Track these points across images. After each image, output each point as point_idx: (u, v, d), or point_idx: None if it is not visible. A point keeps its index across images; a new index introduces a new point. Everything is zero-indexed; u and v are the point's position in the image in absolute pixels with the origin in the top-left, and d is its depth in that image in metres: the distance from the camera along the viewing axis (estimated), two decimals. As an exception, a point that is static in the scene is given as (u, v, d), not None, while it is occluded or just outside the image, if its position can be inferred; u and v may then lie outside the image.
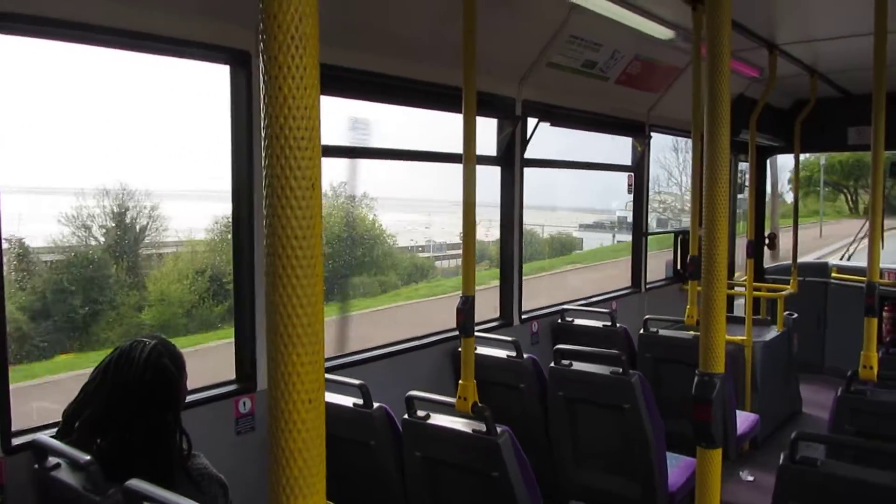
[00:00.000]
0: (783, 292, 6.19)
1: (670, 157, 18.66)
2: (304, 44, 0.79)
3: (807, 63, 5.75)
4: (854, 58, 5.27)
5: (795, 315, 6.15)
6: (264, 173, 0.80)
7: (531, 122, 4.61)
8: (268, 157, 0.79)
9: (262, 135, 0.81)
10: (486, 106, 4.13)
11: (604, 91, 5.09)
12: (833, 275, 7.63)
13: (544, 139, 4.80)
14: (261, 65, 0.81)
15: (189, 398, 2.70)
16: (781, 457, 2.36)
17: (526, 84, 4.45)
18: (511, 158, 4.53)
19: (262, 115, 0.80)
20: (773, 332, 5.83)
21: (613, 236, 19.31)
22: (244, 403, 2.99)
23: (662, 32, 4.61)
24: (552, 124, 4.82)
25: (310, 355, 0.80)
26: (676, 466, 3.65)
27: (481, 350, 3.81)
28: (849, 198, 30.38)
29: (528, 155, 4.65)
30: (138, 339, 2.07)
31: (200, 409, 2.81)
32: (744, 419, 4.53)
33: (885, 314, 7.05)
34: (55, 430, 2.11)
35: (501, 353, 3.82)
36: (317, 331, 0.81)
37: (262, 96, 0.80)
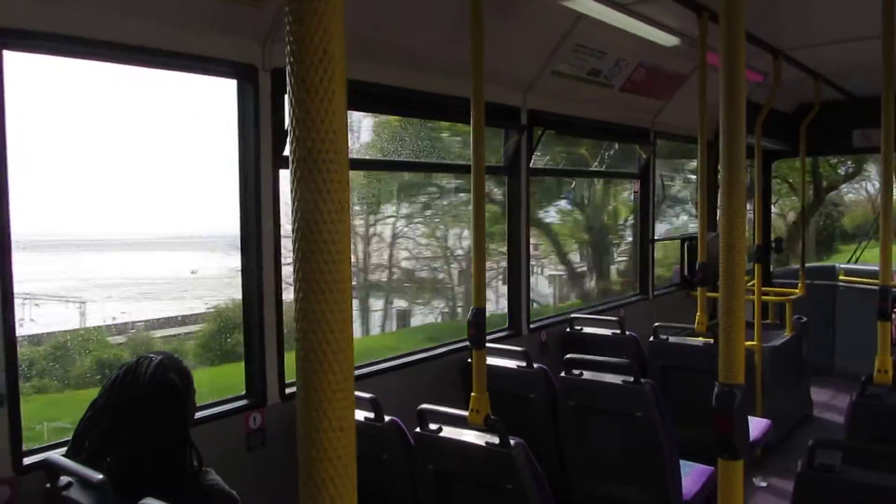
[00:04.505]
0: (791, 296, 6.16)
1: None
2: (331, 67, 0.78)
3: (811, 67, 5.75)
4: (859, 60, 5.26)
5: (805, 319, 6.12)
6: (292, 196, 0.79)
7: (536, 131, 4.61)
8: (296, 181, 0.78)
9: (290, 158, 0.80)
10: (493, 116, 4.12)
11: (608, 99, 5.09)
12: (841, 277, 7.60)
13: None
14: (288, 87, 0.80)
15: (199, 414, 2.71)
16: (799, 464, 2.33)
17: (531, 93, 4.45)
18: (517, 167, 4.52)
19: (290, 138, 0.79)
20: (782, 337, 5.80)
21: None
22: (254, 419, 2.97)
23: (667, 40, 4.61)
24: (557, 133, 4.82)
25: (340, 382, 0.79)
26: (690, 474, 3.62)
27: (490, 361, 3.78)
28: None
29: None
30: (145, 354, 2.06)
31: (211, 424, 2.79)
32: (756, 425, 4.49)
33: (893, 317, 7.00)
34: (66, 448, 2.10)
35: (511, 364, 3.80)
36: (347, 357, 0.80)
37: (287, 117, 0.79)
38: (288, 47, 0.79)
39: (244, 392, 3.06)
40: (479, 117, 2.94)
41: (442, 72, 3.70)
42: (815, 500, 2.29)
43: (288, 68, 0.79)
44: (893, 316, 7.08)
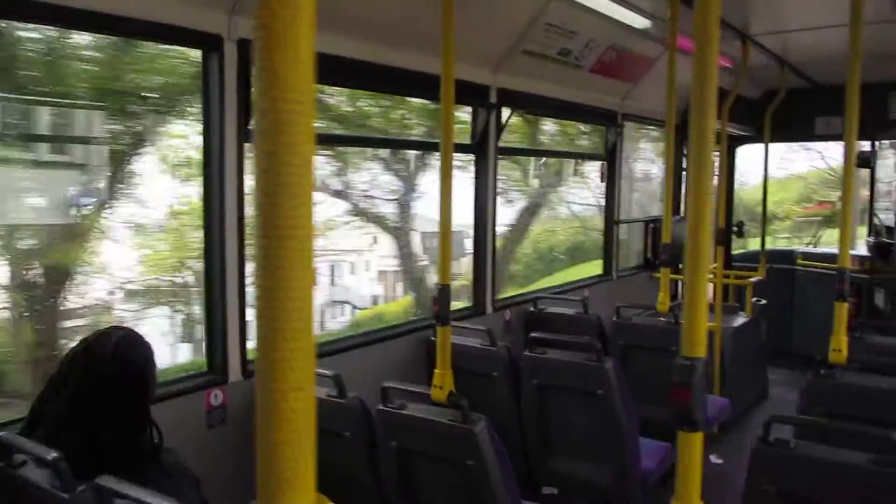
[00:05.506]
0: (751, 279, 6.28)
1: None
2: (301, 29, 0.76)
3: (778, 54, 5.81)
4: (824, 49, 5.33)
5: (764, 301, 6.25)
6: (255, 154, 0.77)
7: (505, 110, 4.59)
8: (260, 137, 0.76)
9: (254, 109, 0.78)
10: (462, 94, 4.10)
11: (577, 79, 5.09)
12: (799, 261, 7.78)
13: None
14: (256, 49, 0.78)
15: (159, 391, 2.68)
16: (755, 439, 2.39)
17: (500, 72, 4.42)
18: (485, 147, 4.51)
19: (254, 93, 0.77)
20: (742, 319, 5.92)
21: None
22: (215, 396, 2.94)
23: (638, 21, 4.62)
24: (526, 112, 4.82)
25: (299, 341, 0.78)
26: (649, 451, 3.69)
27: (455, 339, 3.80)
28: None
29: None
30: (104, 329, 2.01)
31: (171, 402, 2.75)
32: (714, 403, 4.59)
33: (850, 300, 7.19)
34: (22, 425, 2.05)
35: (475, 342, 3.82)
36: (306, 317, 0.78)
37: (251, 78, 0.78)
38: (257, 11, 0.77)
39: (206, 369, 3.03)
40: (448, 95, 2.92)
41: (412, 48, 3.66)
42: (768, 474, 2.36)
43: (256, 30, 0.77)
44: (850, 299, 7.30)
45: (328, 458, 2.94)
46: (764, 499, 2.37)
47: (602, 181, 6.13)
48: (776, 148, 8.32)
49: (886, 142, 7.31)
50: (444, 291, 3.00)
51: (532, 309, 4.87)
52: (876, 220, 7.62)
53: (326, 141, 3.83)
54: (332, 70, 3.40)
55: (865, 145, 7.46)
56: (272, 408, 0.78)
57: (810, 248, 8.55)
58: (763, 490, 2.37)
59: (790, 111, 6.97)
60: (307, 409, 0.79)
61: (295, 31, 0.75)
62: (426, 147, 4.01)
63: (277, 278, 0.77)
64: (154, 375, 2.09)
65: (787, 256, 7.95)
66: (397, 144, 4.02)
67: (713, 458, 5.01)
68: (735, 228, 8.25)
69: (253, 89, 0.79)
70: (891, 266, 6.69)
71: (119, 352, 1.95)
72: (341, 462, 2.90)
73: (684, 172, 6.35)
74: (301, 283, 0.77)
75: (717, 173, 7.85)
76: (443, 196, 2.97)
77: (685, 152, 6.24)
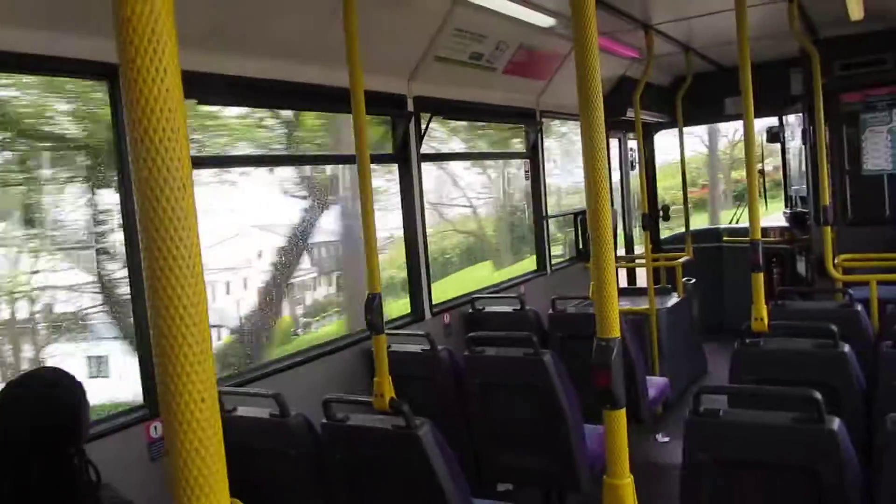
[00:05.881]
0: (679, 260, 6.49)
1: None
2: (161, 45, 0.78)
3: (681, 41, 6.04)
4: (721, 33, 5.56)
5: (694, 280, 6.46)
6: (134, 181, 0.80)
7: (424, 117, 4.65)
8: (134, 162, 0.79)
9: (127, 139, 0.80)
10: (377, 104, 4.14)
11: (493, 81, 5.18)
12: (725, 238, 8.07)
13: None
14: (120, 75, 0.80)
15: (97, 428, 2.62)
16: (687, 411, 2.49)
17: (415, 80, 4.48)
18: (407, 155, 4.55)
19: (126, 120, 0.79)
20: (674, 299, 6.10)
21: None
22: (155, 428, 2.90)
23: (543, 20, 4.73)
24: (444, 118, 4.88)
25: (198, 354, 0.81)
26: (593, 437, 3.77)
27: (395, 347, 3.83)
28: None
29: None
30: (32, 371, 1.97)
31: (111, 437, 2.71)
32: (654, 384, 4.72)
33: (774, 269, 7.51)
34: None
35: (416, 348, 3.85)
36: (203, 329, 0.81)
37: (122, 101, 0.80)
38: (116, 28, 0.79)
39: (142, 402, 2.99)
40: (359, 106, 2.95)
41: (316, 62, 3.67)
42: (702, 444, 2.46)
43: (117, 51, 0.79)
44: (774, 270, 7.61)
45: (275, 477, 2.94)
46: (700, 468, 2.47)
47: (527, 179, 6.25)
48: (663, 137, 8.64)
49: (792, 116, 7.66)
50: (375, 300, 3.02)
51: (470, 310, 4.93)
52: (790, 192, 7.98)
53: (232, 164, 3.79)
54: (236, 91, 3.39)
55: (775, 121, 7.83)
56: (179, 419, 0.80)
57: (734, 225, 8.88)
58: (699, 459, 2.47)
59: (700, 95, 7.26)
60: (212, 419, 0.82)
61: (159, 59, 0.78)
62: (342, 160, 4.03)
63: (170, 297, 0.79)
64: (86, 414, 2.05)
65: (714, 234, 8.23)
66: (312, 161, 4.02)
67: (660, 437, 5.15)
68: (661, 213, 8.51)
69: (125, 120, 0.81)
70: (808, 234, 7.00)
71: (48, 392, 1.91)
72: (289, 480, 2.89)
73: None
74: (193, 300, 0.80)
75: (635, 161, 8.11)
76: (364, 206, 2.99)
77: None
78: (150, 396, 2.97)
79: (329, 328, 5.33)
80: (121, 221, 2.95)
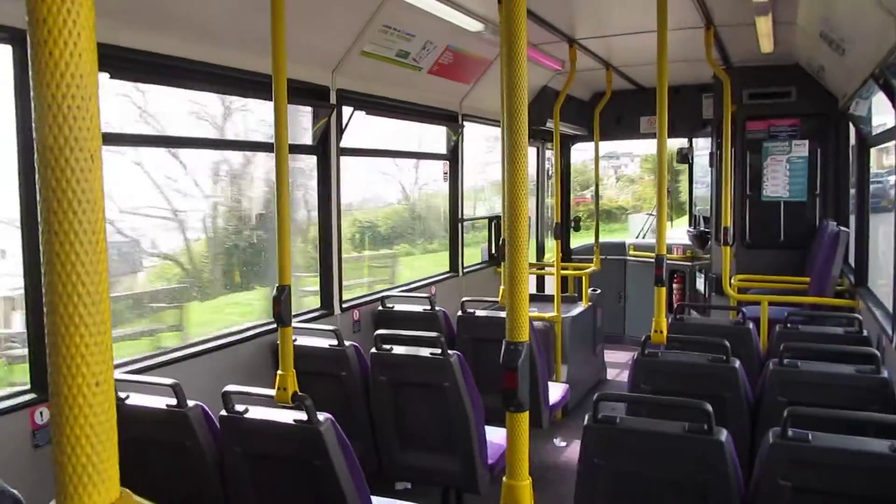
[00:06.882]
0: (587, 270, 6.68)
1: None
2: (76, 8, 0.74)
3: (602, 57, 6.22)
4: (641, 53, 5.77)
5: (599, 290, 6.66)
6: (35, 146, 0.75)
7: (346, 110, 4.60)
8: (39, 129, 0.74)
9: (33, 105, 0.76)
10: (300, 94, 4.08)
11: (417, 81, 5.19)
12: (630, 252, 8.36)
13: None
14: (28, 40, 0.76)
15: None
16: (586, 418, 2.56)
17: (340, 73, 4.43)
18: (327, 147, 4.50)
19: (31, 84, 0.74)
20: (579, 308, 6.27)
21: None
22: (41, 414, 2.75)
23: (472, 24, 4.78)
24: (367, 113, 4.85)
25: (95, 336, 0.77)
26: (495, 439, 3.83)
27: (302, 341, 3.77)
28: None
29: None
30: None
31: None
32: (555, 389, 4.83)
33: (675, 285, 7.86)
34: None
35: (323, 343, 3.80)
36: (102, 310, 0.77)
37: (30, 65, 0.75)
38: None
39: (29, 386, 2.83)
40: (280, 95, 2.89)
41: (240, 46, 3.58)
42: (599, 449, 2.54)
43: (30, 24, 0.75)
44: (675, 284, 7.94)
45: (171, 469, 2.85)
46: (596, 473, 2.54)
47: (445, 181, 6.29)
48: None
49: (702, 139, 8.03)
50: (283, 292, 2.97)
51: (380, 308, 4.91)
52: (695, 211, 8.35)
53: (126, 142, 3.63)
54: (151, 67, 3.27)
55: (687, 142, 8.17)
56: (70, 403, 0.76)
57: (640, 240, 9.21)
58: (595, 464, 2.55)
59: (617, 111, 7.51)
60: (106, 403, 0.78)
61: (73, 20, 0.74)
62: (259, 148, 3.94)
63: (68, 273, 0.75)
64: None
65: (620, 248, 8.52)
66: (230, 146, 3.91)
67: (557, 441, 5.28)
68: (572, 223, 8.74)
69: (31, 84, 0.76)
70: (707, 253, 7.35)
71: None
72: (186, 472, 2.81)
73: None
74: (94, 278, 0.76)
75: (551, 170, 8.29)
76: (280, 197, 2.94)
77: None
78: (37, 380, 2.82)
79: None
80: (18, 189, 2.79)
